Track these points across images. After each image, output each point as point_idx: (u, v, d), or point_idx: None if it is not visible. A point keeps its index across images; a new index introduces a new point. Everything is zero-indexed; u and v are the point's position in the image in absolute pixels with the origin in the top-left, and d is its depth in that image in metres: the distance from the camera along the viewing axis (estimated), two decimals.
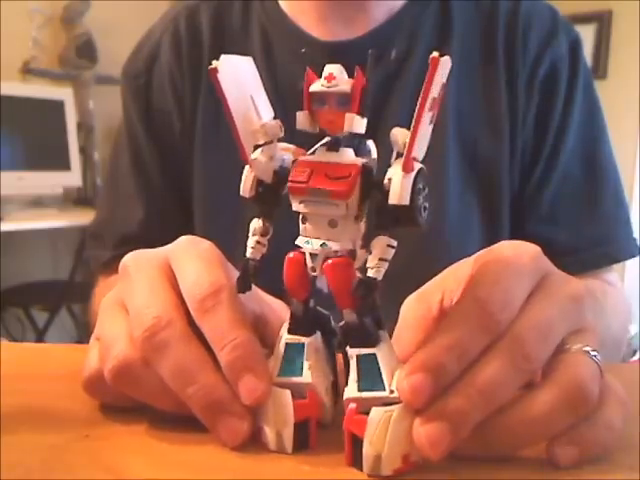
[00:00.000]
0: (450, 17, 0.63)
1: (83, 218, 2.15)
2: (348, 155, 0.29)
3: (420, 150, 0.27)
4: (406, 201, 0.26)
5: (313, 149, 0.29)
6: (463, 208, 0.62)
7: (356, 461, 0.28)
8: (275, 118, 0.31)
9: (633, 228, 0.67)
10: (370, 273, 0.27)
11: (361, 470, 0.28)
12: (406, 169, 0.27)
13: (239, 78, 0.30)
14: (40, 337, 2.47)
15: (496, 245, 0.32)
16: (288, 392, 0.30)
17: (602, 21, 3.02)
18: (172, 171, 0.67)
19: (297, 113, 0.29)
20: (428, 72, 0.25)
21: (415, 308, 0.35)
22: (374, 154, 0.30)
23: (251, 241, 0.31)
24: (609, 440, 0.29)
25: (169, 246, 0.35)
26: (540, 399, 0.28)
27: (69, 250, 2.51)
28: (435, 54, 0.25)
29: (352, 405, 0.28)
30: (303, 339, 0.31)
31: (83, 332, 2.62)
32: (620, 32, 2.99)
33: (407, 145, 0.26)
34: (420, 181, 0.27)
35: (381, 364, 0.28)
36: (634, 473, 0.28)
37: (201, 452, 0.30)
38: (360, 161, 0.28)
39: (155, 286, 0.32)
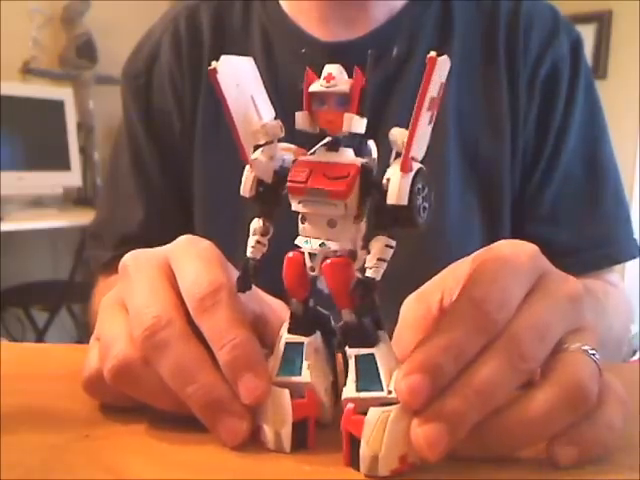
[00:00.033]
0: (451, 17, 0.63)
1: (83, 218, 2.15)
2: (348, 155, 0.29)
3: (419, 150, 0.27)
4: (404, 201, 0.26)
5: (313, 149, 0.29)
6: (464, 208, 0.62)
7: (354, 461, 0.28)
8: (276, 118, 0.31)
9: (634, 228, 0.67)
10: (368, 273, 0.27)
11: (358, 470, 0.28)
12: (404, 169, 0.27)
13: (239, 79, 0.30)
14: (40, 337, 2.47)
15: (495, 244, 0.32)
16: (287, 391, 0.30)
17: (602, 21, 3.02)
18: (172, 171, 0.67)
19: (296, 113, 0.29)
20: (425, 72, 0.25)
21: (415, 308, 0.35)
22: (375, 154, 0.30)
23: (251, 241, 0.31)
24: (610, 440, 0.29)
25: (169, 246, 0.35)
26: (538, 399, 0.28)
27: (69, 250, 2.51)
28: (432, 54, 0.25)
29: (350, 405, 0.28)
30: (303, 339, 0.31)
31: (83, 332, 2.61)
32: (620, 32, 2.99)
33: (405, 145, 0.26)
34: (419, 181, 0.27)
35: (379, 364, 0.28)
36: (634, 473, 0.28)
37: (201, 452, 0.30)
38: (360, 161, 0.28)
39: (155, 286, 0.32)
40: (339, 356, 0.32)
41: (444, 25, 0.63)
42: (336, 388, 0.32)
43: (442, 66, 0.26)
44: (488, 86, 0.62)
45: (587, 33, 2.94)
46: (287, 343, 0.31)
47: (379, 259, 0.27)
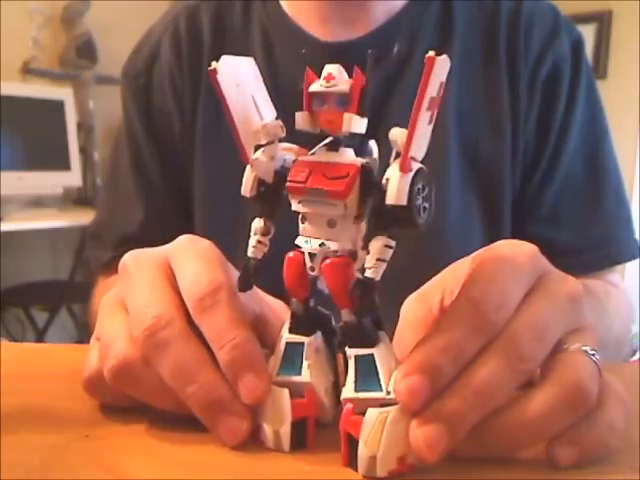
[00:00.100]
0: (452, 17, 0.63)
1: (83, 218, 2.15)
2: (348, 155, 0.29)
3: (419, 150, 0.27)
4: (403, 201, 0.26)
5: (314, 149, 0.29)
6: (464, 209, 0.62)
7: (352, 462, 0.28)
8: (277, 118, 0.31)
9: (634, 228, 0.67)
10: (368, 273, 0.27)
11: (357, 471, 0.28)
12: (403, 169, 0.26)
13: (239, 79, 0.30)
14: (40, 337, 2.47)
15: (494, 244, 0.32)
16: (286, 391, 0.30)
17: (602, 21, 3.02)
18: (172, 171, 0.67)
19: (296, 114, 0.29)
20: (424, 71, 0.25)
21: (415, 308, 0.35)
22: (376, 154, 0.30)
23: (252, 240, 0.31)
24: (610, 440, 0.29)
25: (168, 245, 0.35)
26: (538, 399, 0.27)
27: (69, 250, 2.51)
28: (431, 53, 0.25)
29: (349, 405, 0.28)
30: (303, 339, 0.31)
31: (83, 332, 2.62)
32: (620, 32, 2.99)
33: (404, 145, 0.26)
34: (419, 181, 0.27)
35: (379, 365, 0.28)
36: (634, 474, 0.28)
37: (201, 452, 0.30)
38: (360, 161, 0.28)
39: (155, 285, 0.32)
40: (340, 356, 0.32)
41: (444, 25, 0.63)
42: (337, 388, 0.32)
43: (441, 66, 0.26)
44: (489, 86, 0.62)
45: (587, 33, 2.94)
46: (287, 343, 0.31)
47: (378, 259, 0.27)
